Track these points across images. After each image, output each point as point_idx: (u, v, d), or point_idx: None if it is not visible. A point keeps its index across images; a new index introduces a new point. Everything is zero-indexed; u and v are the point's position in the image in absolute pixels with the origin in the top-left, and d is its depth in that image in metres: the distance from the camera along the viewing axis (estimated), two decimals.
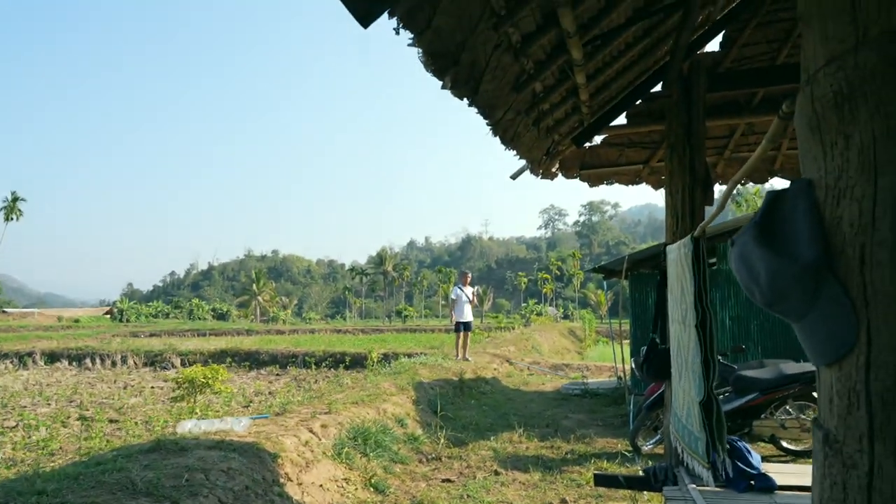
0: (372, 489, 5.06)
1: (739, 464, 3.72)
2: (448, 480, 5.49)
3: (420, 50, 2.20)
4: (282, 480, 4.42)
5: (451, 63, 2.38)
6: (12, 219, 67.54)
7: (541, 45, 3.03)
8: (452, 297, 13.01)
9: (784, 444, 5.94)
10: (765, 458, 5.72)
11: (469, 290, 12.95)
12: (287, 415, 6.01)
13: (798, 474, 3.81)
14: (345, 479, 4.99)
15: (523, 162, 4.89)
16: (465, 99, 2.76)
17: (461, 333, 12.79)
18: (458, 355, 12.70)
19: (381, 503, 4.79)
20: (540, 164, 4.96)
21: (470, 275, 13.55)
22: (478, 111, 3.01)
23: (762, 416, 5.89)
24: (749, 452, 3.81)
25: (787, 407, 5.92)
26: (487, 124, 3.31)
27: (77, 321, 53.99)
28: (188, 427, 5.02)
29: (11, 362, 18.02)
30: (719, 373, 6.37)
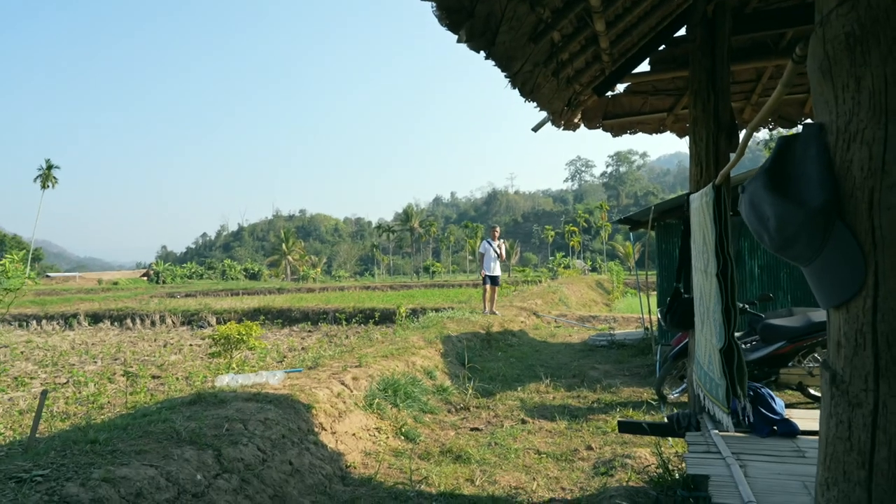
0: (403, 437, 5.25)
1: (762, 409, 3.76)
2: (476, 429, 5.66)
3: (433, 4, 2.19)
4: (316, 430, 4.62)
5: (465, 16, 2.36)
6: (48, 186, 69.12)
7: None
8: (480, 251, 13.07)
9: (811, 391, 5.94)
10: (792, 405, 5.76)
11: (497, 244, 12.97)
12: (319, 368, 6.22)
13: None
14: (376, 429, 5.19)
15: (544, 114, 4.85)
16: (481, 52, 2.74)
17: (488, 287, 12.84)
18: (485, 309, 12.81)
19: (411, 450, 4.98)
20: (561, 116, 4.90)
21: (498, 229, 13.59)
22: (495, 64, 2.99)
23: (790, 364, 5.88)
24: (772, 399, 3.85)
25: (816, 355, 5.90)
26: (505, 76, 3.29)
27: (116, 283, 55.76)
28: (226, 381, 5.24)
29: (58, 323, 18.82)
30: (747, 321, 6.40)
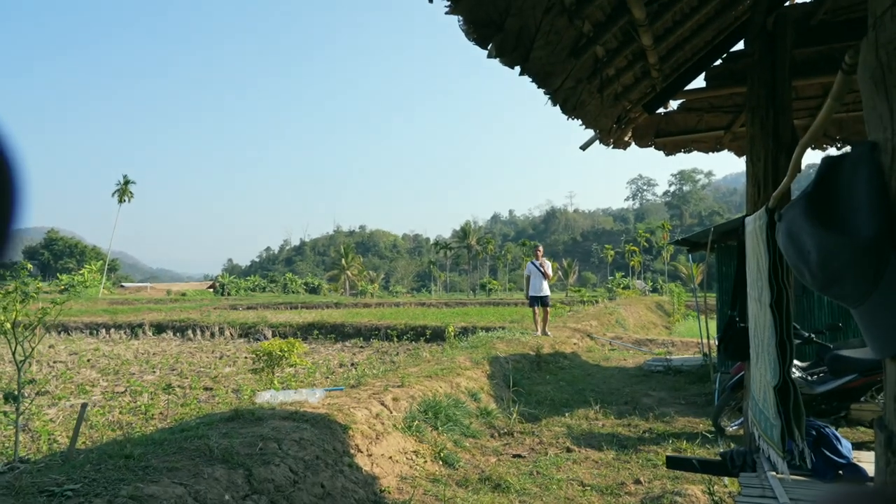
0: (441, 462, 5.11)
1: (826, 451, 3.44)
2: (519, 456, 5.47)
3: (460, 18, 2.11)
4: (352, 451, 4.54)
5: (494, 30, 2.26)
6: (125, 200, 73.04)
7: (599, 6, 2.84)
8: (525, 273, 12.77)
9: None
10: (864, 445, 5.29)
11: (545, 264, 12.62)
12: (361, 387, 6.17)
13: None
14: (414, 452, 5.08)
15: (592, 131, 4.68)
16: (515, 67, 2.64)
17: (537, 309, 12.53)
18: (537, 330, 12.52)
19: (449, 476, 4.84)
20: (610, 133, 4.72)
21: (542, 248, 13.21)
22: (531, 80, 2.87)
23: (861, 399, 5.42)
24: (838, 440, 3.52)
25: None
26: (545, 93, 3.16)
27: (184, 294, 58.12)
28: (266, 397, 5.26)
29: (125, 332, 19.67)
30: (815, 351, 5.95)
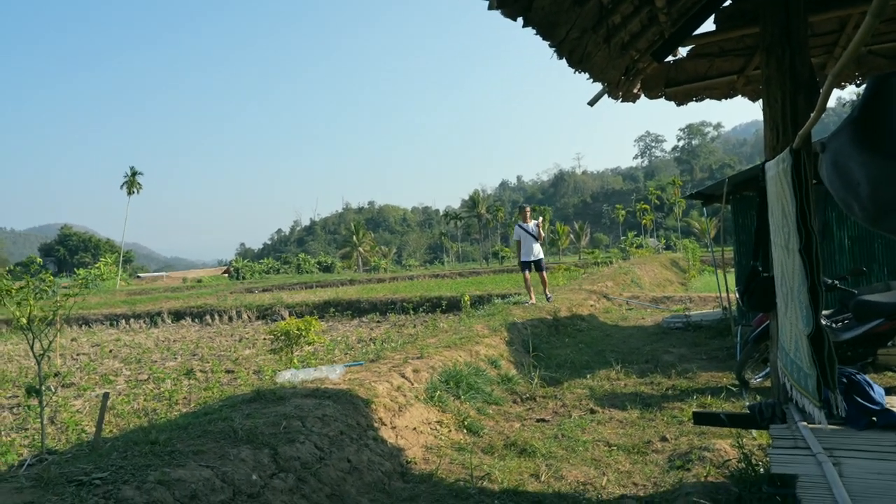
0: (466, 430, 5.11)
1: (859, 399, 3.36)
2: (542, 420, 5.45)
3: None
4: (375, 425, 4.54)
5: None
6: (134, 192, 73.27)
7: None
8: (515, 238, 11.70)
9: None
10: (893, 389, 5.21)
11: (531, 224, 11.54)
12: (380, 361, 6.16)
13: None
14: (438, 422, 5.07)
15: (600, 86, 4.53)
16: (517, 19, 2.51)
17: (528, 274, 11.66)
18: (530, 298, 11.63)
19: (475, 444, 4.83)
20: (619, 86, 4.57)
21: (529, 208, 12.01)
22: (535, 31, 2.74)
23: (889, 343, 5.32)
24: (871, 386, 3.43)
25: None
26: (549, 45, 3.03)
27: (200, 281, 58.61)
28: (287, 377, 5.26)
29: (144, 322, 19.89)
30: (838, 298, 5.84)
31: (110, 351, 13.35)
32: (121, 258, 72.74)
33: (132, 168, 73.25)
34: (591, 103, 4.83)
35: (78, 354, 13.13)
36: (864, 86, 1.00)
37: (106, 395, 3.63)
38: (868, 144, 0.99)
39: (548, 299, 11.79)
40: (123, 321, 20.12)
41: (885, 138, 0.97)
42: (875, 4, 1.15)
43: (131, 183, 72.79)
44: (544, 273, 11.87)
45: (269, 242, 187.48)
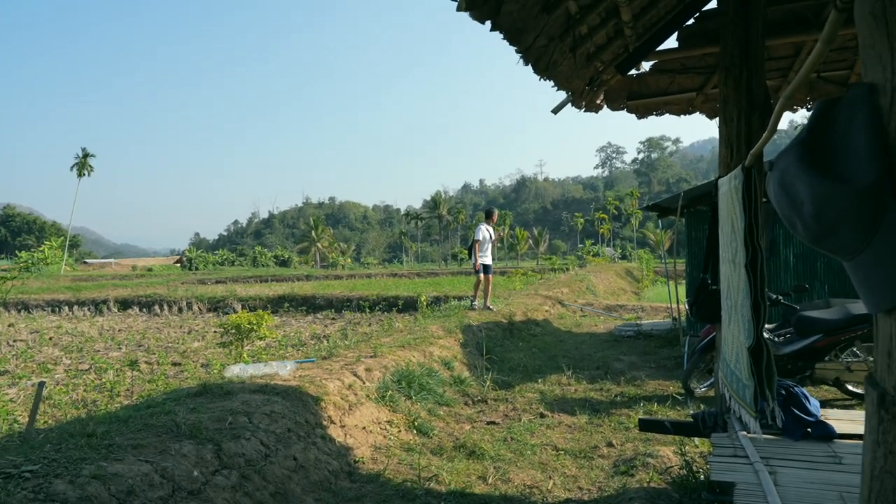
0: (416, 431, 5.09)
1: (796, 410, 3.49)
2: (493, 423, 5.48)
3: None
4: (324, 423, 4.48)
5: None
6: (85, 174, 70.64)
7: None
8: (477, 237, 10.88)
9: (849, 387, 5.61)
10: (828, 403, 5.44)
11: (492, 230, 11.10)
12: (333, 359, 6.09)
13: (860, 421, 3.55)
14: (388, 422, 5.04)
15: (564, 94, 4.58)
16: (485, 22, 2.51)
17: (483, 276, 11.01)
18: (485, 303, 11.11)
19: (424, 445, 4.82)
20: (582, 96, 4.63)
21: (497, 212, 11.59)
22: (503, 36, 2.75)
23: (826, 358, 5.56)
24: (807, 398, 3.57)
25: (855, 349, 5.56)
26: (516, 51, 3.05)
27: (150, 270, 56.86)
28: (235, 371, 5.14)
29: (89, 309, 19.18)
30: (781, 313, 6.06)
31: (50, 338, 12.81)
32: (67, 242, 69.94)
33: (84, 150, 70.68)
34: (555, 111, 4.89)
35: (15, 341, 12.56)
36: (814, 106, 1.04)
37: (41, 385, 3.48)
38: (814, 165, 1.02)
39: (489, 308, 11.09)
40: (66, 308, 19.35)
41: (829, 160, 1.01)
42: (826, 31, 1.19)
43: (82, 165, 70.21)
44: (490, 277, 11.35)
45: (224, 233, 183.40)
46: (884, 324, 1.03)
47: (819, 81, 5.08)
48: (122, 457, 3.07)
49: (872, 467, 1.04)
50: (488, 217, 11.23)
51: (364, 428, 4.76)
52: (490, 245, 11.00)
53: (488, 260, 11.01)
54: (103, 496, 2.73)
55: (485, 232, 10.92)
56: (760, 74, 3.57)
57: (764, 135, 1.92)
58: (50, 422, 5.49)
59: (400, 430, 5.00)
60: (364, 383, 5.36)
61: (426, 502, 3.70)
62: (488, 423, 5.48)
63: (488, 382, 6.71)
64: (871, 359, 5.38)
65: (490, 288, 11.39)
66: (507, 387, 6.70)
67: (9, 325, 15.37)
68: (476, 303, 11.14)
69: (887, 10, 0.95)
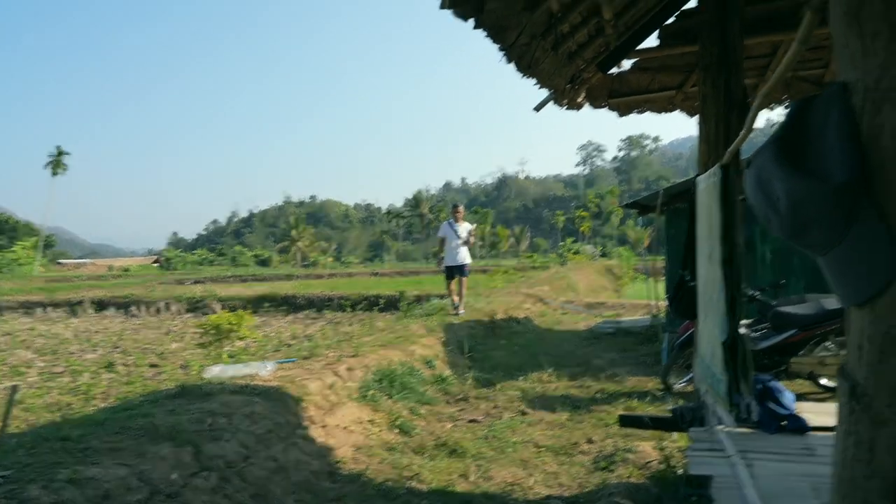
0: (397, 430, 5.08)
1: (771, 404, 3.54)
2: (474, 421, 5.49)
3: None
4: (305, 423, 4.46)
5: None
6: (59, 173, 69.35)
7: None
8: (439, 235, 10.22)
9: (823, 381, 5.72)
10: (803, 396, 5.54)
11: (464, 227, 10.24)
12: (314, 359, 6.06)
13: (833, 414, 3.62)
14: (369, 421, 5.03)
15: (546, 92, 4.60)
16: (469, 20, 2.51)
17: (453, 281, 10.15)
18: (459, 307, 10.21)
19: (405, 444, 4.81)
20: (564, 94, 4.66)
21: (462, 208, 10.67)
22: (486, 34, 2.75)
23: (800, 352, 5.66)
24: (782, 392, 3.63)
25: (828, 343, 5.67)
26: (499, 49, 3.05)
27: (127, 270, 55.94)
28: (215, 372, 5.09)
29: (63, 311, 18.82)
30: (757, 308, 6.16)
31: (23, 341, 12.54)
32: (41, 242, 68.62)
33: (59, 147, 69.36)
34: (537, 109, 4.90)
35: None
36: (790, 105, 1.06)
37: (14, 388, 3.41)
38: (789, 162, 1.04)
39: (458, 313, 10.09)
40: (40, 309, 18.97)
41: (805, 158, 1.02)
42: (801, 31, 1.21)
43: (56, 163, 68.90)
44: (464, 280, 10.36)
45: (203, 233, 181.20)
46: (856, 318, 1.05)
47: (795, 80, 5.16)
48: (98, 460, 3.03)
49: (843, 456, 1.06)
50: (453, 211, 10.49)
51: (345, 428, 4.74)
52: (461, 243, 10.01)
53: (451, 261, 9.99)
54: (79, 501, 2.69)
55: (448, 229, 10.12)
56: (739, 73, 3.63)
57: (741, 133, 1.95)
58: (23, 426, 5.37)
59: (381, 430, 4.99)
60: (345, 383, 5.34)
61: (408, 501, 3.70)
62: (470, 421, 5.49)
63: (470, 380, 6.72)
64: (844, 352, 5.51)
65: (463, 292, 10.40)
66: (489, 385, 6.72)
67: None
68: (462, 311, 10.18)
69: (860, 8, 0.97)
